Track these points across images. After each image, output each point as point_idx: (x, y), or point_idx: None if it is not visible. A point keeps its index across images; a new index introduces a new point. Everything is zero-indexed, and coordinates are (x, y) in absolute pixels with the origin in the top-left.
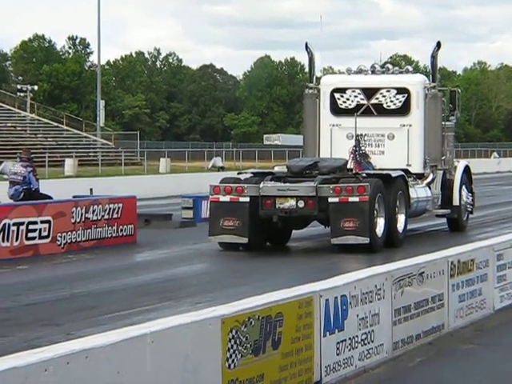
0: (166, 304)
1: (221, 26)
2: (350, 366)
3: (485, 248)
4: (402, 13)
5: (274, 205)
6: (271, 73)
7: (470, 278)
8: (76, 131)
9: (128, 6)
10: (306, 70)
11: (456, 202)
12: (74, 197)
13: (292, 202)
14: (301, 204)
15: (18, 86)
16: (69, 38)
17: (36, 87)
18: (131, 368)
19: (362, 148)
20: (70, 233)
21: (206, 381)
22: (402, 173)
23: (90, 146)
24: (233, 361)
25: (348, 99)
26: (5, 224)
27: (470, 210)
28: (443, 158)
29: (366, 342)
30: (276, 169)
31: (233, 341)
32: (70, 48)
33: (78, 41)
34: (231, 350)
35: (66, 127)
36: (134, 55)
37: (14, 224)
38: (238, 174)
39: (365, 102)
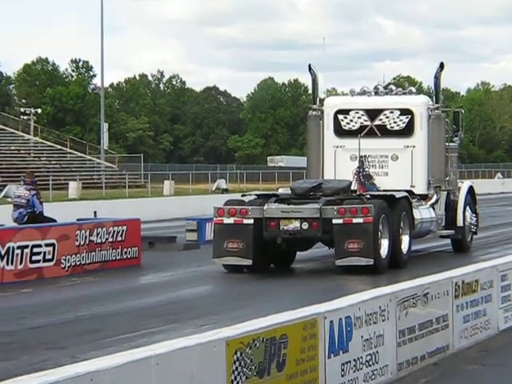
0: (170, 326)
1: (224, 48)
2: None
3: (489, 269)
4: (405, 34)
5: (278, 227)
6: (275, 94)
7: (475, 299)
8: (80, 154)
9: (131, 28)
10: (310, 91)
11: (460, 222)
12: (77, 220)
13: (296, 224)
14: (305, 226)
15: (22, 109)
16: (72, 61)
17: (39, 110)
18: None
19: (366, 169)
20: (74, 256)
21: None
22: (406, 194)
23: (93, 168)
24: (237, 383)
25: (351, 120)
26: (9, 247)
27: (474, 230)
28: (447, 178)
29: (370, 363)
30: (280, 190)
31: (237, 363)
32: (73, 71)
33: (80, 64)
34: (236, 372)
35: (69, 150)
36: (137, 78)
37: (18, 247)
38: (242, 196)
39: (368, 123)
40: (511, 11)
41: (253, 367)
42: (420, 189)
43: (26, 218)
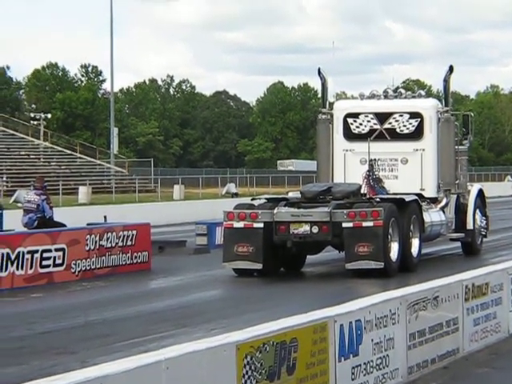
0: (180, 331)
1: (233, 52)
2: None
3: (499, 271)
4: (414, 37)
5: (288, 230)
6: (284, 98)
7: (485, 302)
8: (90, 159)
9: (140, 32)
10: (319, 95)
11: (470, 225)
12: (87, 224)
13: (306, 228)
14: (315, 229)
15: (32, 115)
16: (81, 66)
17: (49, 115)
18: None
19: (376, 173)
20: (84, 260)
21: None
22: (416, 197)
23: (103, 173)
24: None
25: (361, 124)
26: (19, 252)
27: (483, 233)
28: (457, 182)
29: (381, 366)
30: (290, 194)
31: (248, 367)
32: (82, 76)
33: (90, 69)
34: (246, 376)
35: (79, 155)
36: (147, 82)
37: (28, 252)
38: (252, 200)
39: (378, 126)
40: None
41: (263, 371)
42: (430, 192)
43: (36, 222)
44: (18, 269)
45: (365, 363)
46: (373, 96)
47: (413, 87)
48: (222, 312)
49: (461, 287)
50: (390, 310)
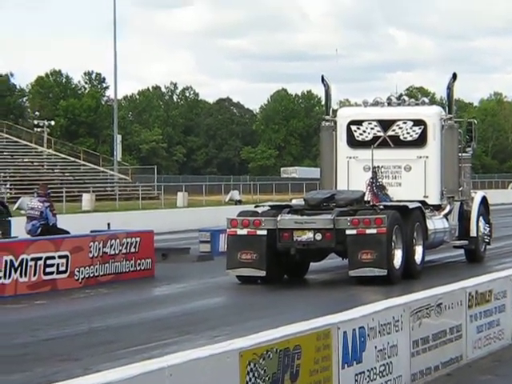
0: (184, 338)
1: (236, 59)
2: None
3: (502, 279)
4: (417, 45)
5: (292, 237)
6: (287, 106)
7: (488, 309)
8: (93, 166)
9: (143, 40)
10: (323, 102)
11: (473, 233)
12: (91, 231)
13: (309, 235)
14: (318, 236)
15: (35, 122)
16: (85, 74)
17: (53, 122)
18: None
19: (379, 180)
20: (87, 267)
21: None
22: (419, 204)
23: (107, 180)
24: None
25: (365, 131)
26: (22, 259)
27: (487, 240)
28: (460, 189)
29: (384, 373)
30: (293, 201)
31: (251, 374)
32: (86, 83)
33: (93, 76)
34: (249, 383)
35: (83, 162)
36: (150, 89)
37: (31, 259)
38: (256, 207)
39: (381, 134)
40: None
41: (266, 378)
42: (433, 199)
43: (40, 230)
44: (21, 276)
45: (368, 370)
46: (376, 103)
47: (416, 94)
48: (226, 319)
49: (464, 294)
50: (394, 317)
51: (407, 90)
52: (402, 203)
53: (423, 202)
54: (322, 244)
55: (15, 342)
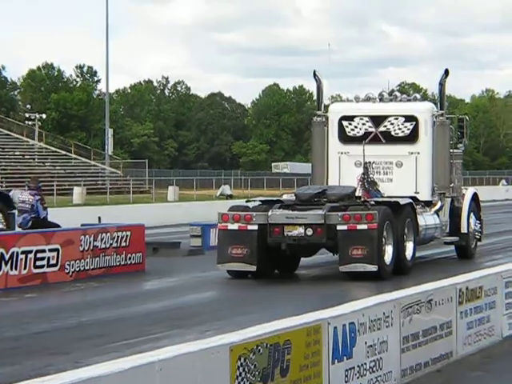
0: (174, 332)
1: (228, 53)
2: None
3: (493, 275)
4: (410, 40)
5: (283, 233)
6: (279, 101)
7: (479, 306)
8: (84, 160)
9: (135, 33)
10: (314, 97)
11: (464, 229)
12: (82, 225)
13: (300, 230)
14: (309, 232)
15: (26, 115)
16: (76, 67)
17: (44, 116)
18: None
19: (371, 176)
20: (78, 261)
21: None
22: (411, 200)
23: (98, 174)
24: None
25: (356, 127)
26: (13, 252)
27: (478, 237)
28: (451, 185)
29: (374, 369)
30: (284, 197)
31: (241, 368)
32: (77, 76)
33: (85, 69)
34: (240, 378)
35: (74, 156)
36: (142, 83)
37: (22, 252)
38: (247, 201)
39: (373, 129)
40: None
41: (256, 373)
42: (424, 195)
43: (30, 223)
44: (11, 269)
45: (358, 366)
46: (368, 99)
47: (408, 90)
48: (216, 314)
49: (454, 291)
50: (384, 313)
51: (399, 85)
52: (393, 199)
53: (414, 198)
54: (313, 239)
55: (5, 336)
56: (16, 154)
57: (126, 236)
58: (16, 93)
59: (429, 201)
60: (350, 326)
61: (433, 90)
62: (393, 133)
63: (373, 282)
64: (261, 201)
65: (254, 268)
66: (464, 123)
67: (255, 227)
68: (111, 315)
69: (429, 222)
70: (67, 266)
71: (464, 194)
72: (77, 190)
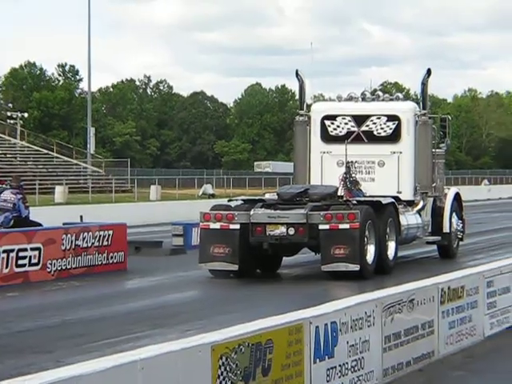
0: (156, 331)
1: (211, 53)
2: None
3: (475, 275)
4: (392, 40)
5: (265, 232)
6: (262, 100)
7: (460, 305)
8: (66, 158)
9: (118, 33)
10: (297, 97)
11: (446, 229)
12: (64, 224)
13: (282, 229)
14: (291, 231)
15: (8, 114)
16: (58, 66)
17: (26, 114)
18: None
19: (353, 175)
20: (60, 260)
21: None
22: (393, 200)
23: (80, 173)
24: None
25: (338, 126)
26: None
27: (460, 236)
28: (434, 185)
29: (356, 368)
30: (266, 196)
31: (223, 367)
32: (59, 75)
33: (67, 68)
34: (221, 377)
35: (56, 154)
36: (124, 82)
37: (3, 251)
38: (229, 201)
39: (355, 129)
40: (499, 18)
41: (238, 372)
42: (406, 195)
43: (12, 222)
44: None
45: (340, 365)
46: (350, 98)
47: (391, 90)
48: (198, 313)
49: (436, 290)
50: (366, 313)
51: (382, 85)
52: (375, 198)
53: (396, 198)
54: (295, 238)
55: None
56: None
57: (108, 235)
58: None
59: (411, 200)
60: (332, 325)
61: (415, 90)
62: (375, 132)
63: (355, 282)
64: (243, 200)
65: (235, 267)
66: (446, 123)
67: (237, 226)
68: (93, 314)
69: (411, 221)
70: (49, 265)
71: (446, 194)
72: (59, 189)
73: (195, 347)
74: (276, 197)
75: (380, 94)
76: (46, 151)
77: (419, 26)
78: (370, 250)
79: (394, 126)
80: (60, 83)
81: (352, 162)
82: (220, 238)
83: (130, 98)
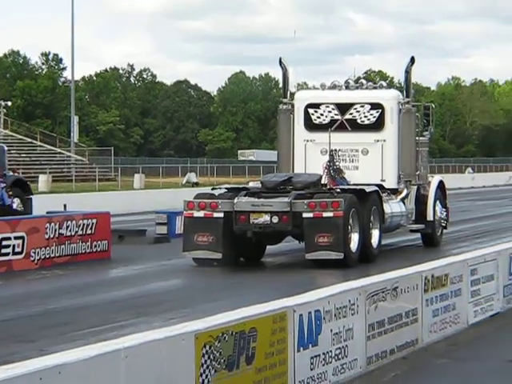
0: (140, 320)
1: (194, 41)
2: (324, 381)
3: (459, 263)
4: (376, 28)
5: (249, 220)
6: (245, 88)
7: (444, 293)
8: (50, 147)
9: (101, 21)
10: (281, 85)
11: (430, 217)
12: (47, 213)
13: (266, 218)
14: (275, 219)
15: None
16: (42, 54)
17: (9, 103)
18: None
19: (336, 163)
20: (43, 249)
21: None
22: (377, 188)
23: (63, 161)
24: (206, 376)
25: (322, 115)
26: None
27: (444, 225)
28: (417, 173)
29: (339, 356)
30: (250, 184)
31: (206, 356)
32: (43, 64)
33: (51, 56)
34: (205, 366)
35: (39, 143)
36: (108, 71)
37: None
38: (212, 189)
39: (339, 117)
40: (481, 6)
41: (222, 360)
42: (390, 183)
43: None
44: None
45: (324, 353)
46: (334, 86)
47: (374, 78)
48: (182, 301)
49: (420, 278)
50: (350, 301)
51: (365, 73)
52: (359, 187)
53: (380, 186)
54: (279, 227)
55: None
56: None
57: (92, 224)
58: None
59: (395, 188)
60: (316, 313)
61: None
62: (359, 120)
63: (339, 270)
64: (227, 188)
65: (219, 256)
66: (430, 111)
67: (221, 215)
68: (77, 303)
69: (395, 209)
70: (32, 254)
71: (430, 182)
72: (42, 178)
73: (179, 335)
74: (260, 185)
75: (364, 82)
76: (29, 140)
77: (403, 14)
78: (354, 238)
79: (377, 114)
80: (43, 72)
81: (336, 150)
82: (204, 226)
83: (113, 87)
